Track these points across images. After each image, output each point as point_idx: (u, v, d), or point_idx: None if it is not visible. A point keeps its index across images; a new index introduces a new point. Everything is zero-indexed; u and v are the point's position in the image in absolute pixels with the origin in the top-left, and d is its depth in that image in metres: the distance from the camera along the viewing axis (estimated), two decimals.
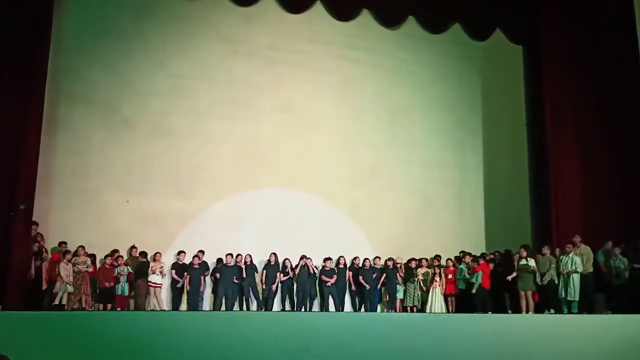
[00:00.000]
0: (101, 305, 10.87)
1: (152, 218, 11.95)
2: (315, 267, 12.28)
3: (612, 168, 12.81)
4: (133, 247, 11.59)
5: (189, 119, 12.58)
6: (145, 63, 12.49)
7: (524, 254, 11.49)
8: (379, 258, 12.56)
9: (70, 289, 10.43)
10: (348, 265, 12.49)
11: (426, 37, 14.32)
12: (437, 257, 12.72)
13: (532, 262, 11.38)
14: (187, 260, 11.70)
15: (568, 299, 11.20)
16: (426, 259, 12.62)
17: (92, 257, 11.13)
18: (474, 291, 11.65)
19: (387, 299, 12.31)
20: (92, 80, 12.08)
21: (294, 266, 12.14)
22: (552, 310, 11.16)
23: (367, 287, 12.14)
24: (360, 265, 12.41)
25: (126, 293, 11.01)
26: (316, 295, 12.27)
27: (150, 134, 12.33)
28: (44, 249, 10.64)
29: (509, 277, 11.52)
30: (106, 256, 11.09)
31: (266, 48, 13.24)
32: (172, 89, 12.57)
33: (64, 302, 10.40)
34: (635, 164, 12.48)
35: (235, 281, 11.68)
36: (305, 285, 12.02)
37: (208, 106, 12.74)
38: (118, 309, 10.79)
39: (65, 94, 11.84)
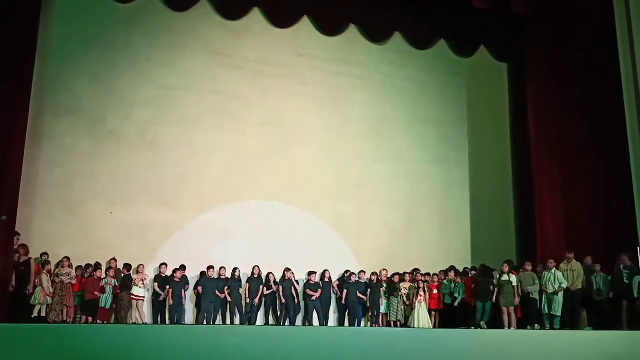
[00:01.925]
0: (83, 317, 10.75)
1: (136, 229, 11.87)
2: (297, 281, 12.23)
3: (595, 183, 12.93)
4: (113, 259, 11.46)
5: (175, 131, 12.57)
6: (132, 74, 12.48)
7: (506, 269, 11.56)
8: (364, 272, 12.56)
9: (49, 300, 10.32)
10: (338, 278, 12.52)
11: (412, 53, 14.48)
12: (416, 270, 12.72)
13: (513, 278, 11.46)
14: (169, 273, 11.60)
15: (552, 313, 11.27)
16: (409, 273, 12.63)
17: (79, 269, 11.03)
18: (456, 304, 11.72)
19: (371, 313, 12.30)
20: (78, 90, 12.05)
21: (277, 280, 12.10)
22: (537, 326, 11.21)
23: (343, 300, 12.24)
24: (348, 279, 12.39)
25: (108, 306, 10.90)
26: (300, 309, 12.22)
27: (136, 144, 12.30)
28: (30, 260, 10.49)
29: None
30: (96, 269, 10.99)
31: (253, 61, 13.30)
32: (158, 100, 12.57)
33: (43, 314, 10.28)
34: (619, 179, 12.59)
35: (219, 294, 11.61)
36: (290, 298, 11.99)
37: (195, 118, 12.74)
38: (98, 322, 10.67)
39: (50, 104, 11.79)
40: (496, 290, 11.48)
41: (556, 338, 10.27)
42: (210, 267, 11.76)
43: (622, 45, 12.39)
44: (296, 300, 12.07)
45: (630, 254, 11.38)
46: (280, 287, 11.98)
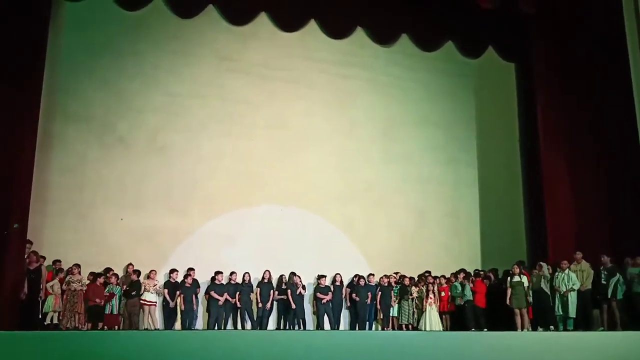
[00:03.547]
0: (90, 324, 10.73)
1: (146, 235, 11.91)
2: (303, 285, 12.19)
3: (605, 183, 12.85)
4: (129, 265, 11.52)
5: (183, 136, 12.62)
6: (140, 80, 12.55)
7: (517, 270, 11.49)
8: (373, 275, 12.53)
9: (58, 307, 10.38)
10: (346, 283, 12.49)
11: (419, 55, 14.47)
12: (428, 272, 12.68)
13: (524, 279, 11.40)
14: (179, 278, 11.63)
15: (566, 315, 11.20)
16: (420, 276, 12.59)
17: (92, 275, 11.03)
18: (460, 302, 11.73)
19: (381, 316, 12.26)
20: (87, 98, 12.13)
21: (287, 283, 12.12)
22: (551, 328, 11.16)
23: (357, 299, 12.21)
24: (359, 283, 12.38)
25: (115, 312, 10.92)
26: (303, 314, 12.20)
27: (145, 151, 12.35)
28: (40, 267, 10.52)
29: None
30: (99, 274, 11.02)
31: (260, 65, 13.31)
32: (166, 106, 12.62)
33: (55, 321, 10.34)
34: (628, 179, 12.53)
35: (230, 299, 11.62)
36: (297, 302, 11.98)
37: (202, 123, 12.78)
38: (105, 328, 10.69)
39: (60, 111, 11.87)
40: (509, 291, 11.41)
41: (569, 339, 10.20)
42: (219, 272, 11.75)
43: (631, 42, 12.33)
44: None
45: (612, 257, 11.45)
46: (289, 291, 11.97)
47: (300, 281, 12.07)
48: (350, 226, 13.30)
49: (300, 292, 12.01)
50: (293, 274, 12.17)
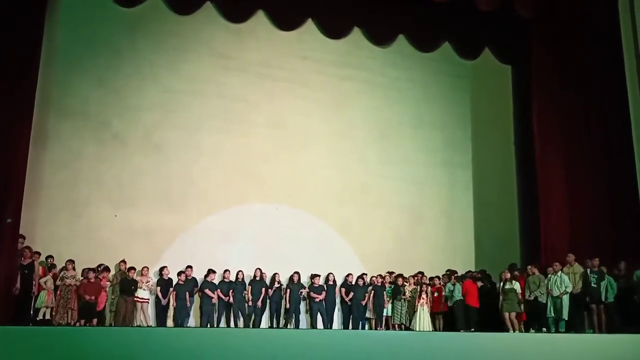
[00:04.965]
0: (82, 320, 10.63)
1: (141, 232, 11.90)
2: (303, 284, 12.24)
3: (600, 186, 12.90)
4: (122, 261, 11.48)
5: (180, 134, 12.61)
6: (137, 77, 12.53)
7: (508, 275, 11.50)
8: (366, 275, 12.53)
9: (51, 303, 10.35)
10: (340, 283, 12.49)
11: (416, 55, 14.47)
12: (420, 273, 12.70)
13: (517, 285, 11.40)
14: (172, 275, 11.56)
15: (558, 317, 11.21)
16: (413, 276, 12.60)
17: (85, 271, 10.95)
18: (449, 303, 11.78)
19: (375, 316, 12.26)
20: (83, 94, 12.11)
21: (280, 281, 12.10)
22: (544, 329, 11.17)
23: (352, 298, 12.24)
24: (354, 283, 12.38)
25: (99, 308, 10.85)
26: (306, 312, 12.23)
27: (141, 148, 12.33)
28: (33, 263, 10.50)
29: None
30: (90, 269, 10.96)
31: (258, 64, 13.32)
32: (163, 103, 12.61)
33: (48, 316, 10.32)
34: (623, 182, 12.58)
35: (222, 297, 11.60)
36: (296, 300, 12.00)
37: (199, 121, 12.77)
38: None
39: (55, 108, 11.84)
40: (501, 297, 11.41)
41: (561, 341, 10.25)
42: (211, 271, 11.73)
43: (626, 47, 12.39)
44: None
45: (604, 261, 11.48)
46: (288, 291, 11.98)
47: (278, 279, 12.09)
48: (347, 226, 13.31)
49: (302, 292, 12.08)
50: (295, 273, 12.17)
